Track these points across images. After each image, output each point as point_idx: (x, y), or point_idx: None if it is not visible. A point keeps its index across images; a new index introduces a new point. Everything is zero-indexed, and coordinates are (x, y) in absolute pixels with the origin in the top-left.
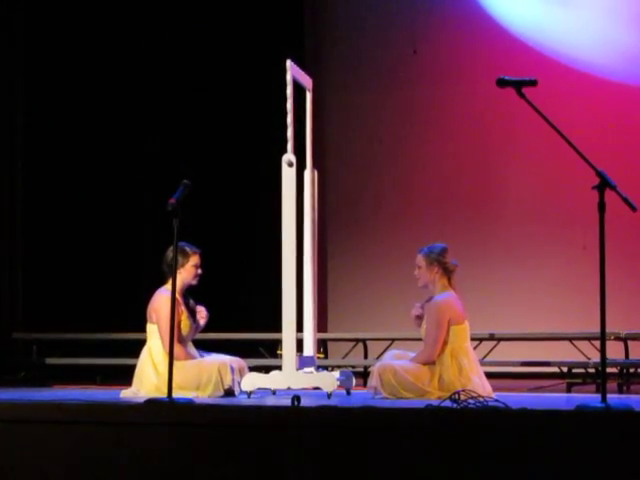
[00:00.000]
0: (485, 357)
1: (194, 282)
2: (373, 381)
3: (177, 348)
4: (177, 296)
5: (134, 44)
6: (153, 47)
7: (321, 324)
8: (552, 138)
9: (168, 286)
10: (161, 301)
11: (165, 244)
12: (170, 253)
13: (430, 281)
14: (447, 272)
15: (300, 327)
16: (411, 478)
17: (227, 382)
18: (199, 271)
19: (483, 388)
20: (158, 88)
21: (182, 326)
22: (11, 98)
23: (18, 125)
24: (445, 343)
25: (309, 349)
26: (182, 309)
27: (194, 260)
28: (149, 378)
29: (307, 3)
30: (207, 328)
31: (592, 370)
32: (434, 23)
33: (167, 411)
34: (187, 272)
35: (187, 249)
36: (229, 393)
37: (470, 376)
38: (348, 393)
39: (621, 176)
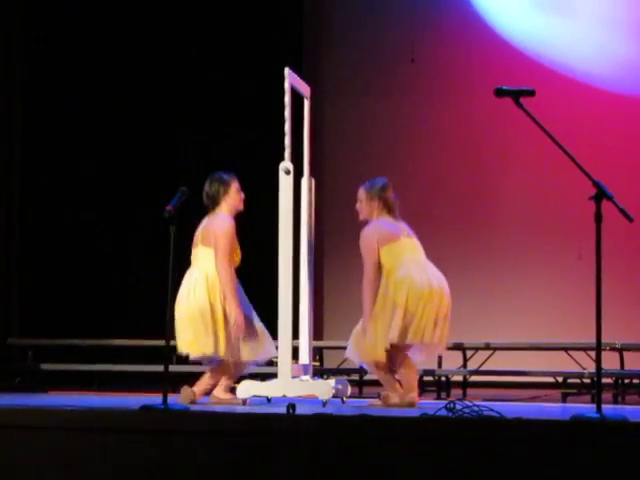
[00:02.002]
0: (481, 366)
1: (241, 207)
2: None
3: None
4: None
5: (132, 47)
6: (150, 52)
7: (317, 332)
8: (549, 148)
9: (222, 211)
10: (224, 225)
11: (162, 250)
12: (210, 185)
13: (369, 215)
14: (387, 206)
15: (296, 335)
16: None
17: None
18: (242, 195)
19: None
20: (155, 94)
21: (236, 254)
22: (9, 101)
23: (16, 130)
24: (380, 265)
25: (305, 357)
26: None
27: (235, 186)
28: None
29: (306, 13)
30: None
31: (587, 380)
32: (432, 32)
33: (162, 418)
34: (232, 199)
35: (225, 177)
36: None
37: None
38: (343, 401)
39: (618, 187)
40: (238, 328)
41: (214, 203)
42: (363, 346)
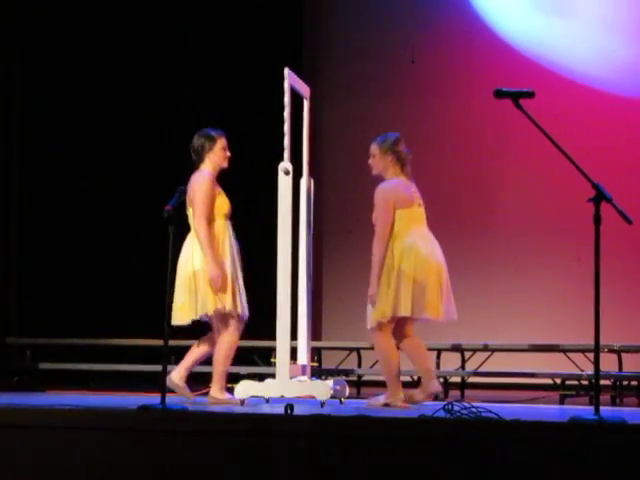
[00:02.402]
0: (479, 368)
1: (225, 164)
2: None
3: (205, 232)
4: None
5: (130, 48)
6: (149, 53)
7: (315, 332)
8: (549, 150)
9: (205, 167)
10: (200, 180)
11: (160, 250)
12: (197, 139)
13: (383, 169)
14: (400, 160)
15: (294, 335)
16: None
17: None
18: (228, 153)
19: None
20: (154, 94)
21: (219, 204)
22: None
23: (14, 129)
24: (393, 226)
25: (303, 357)
26: (219, 189)
27: (221, 143)
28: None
29: (306, 13)
30: (200, 336)
31: (586, 382)
32: (432, 33)
33: (160, 418)
34: (216, 156)
35: (212, 133)
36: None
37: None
38: (341, 402)
39: (617, 189)
40: (213, 282)
41: (198, 158)
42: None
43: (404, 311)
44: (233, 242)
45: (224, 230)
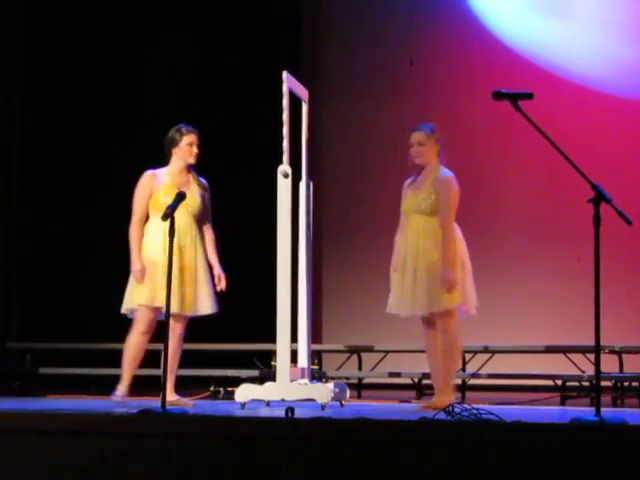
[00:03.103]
0: (479, 369)
1: (191, 160)
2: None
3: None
4: (153, 172)
5: (129, 46)
6: (148, 55)
7: (316, 335)
8: (548, 151)
9: (174, 161)
10: (140, 178)
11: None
12: (169, 133)
13: (430, 159)
14: (442, 151)
15: (295, 338)
16: None
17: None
18: (195, 149)
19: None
20: (154, 98)
21: (152, 201)
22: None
23: (14, 133)
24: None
25: (303, 360)
26: (160, 186)
27: (188, 139)
28: None
29: (304, 15)
30: (201, 339)
31: (586, 383)
32: (430, 35)
33: (160, 422)
34: (182, 151)
35: (183, 128)
36: None
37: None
38: (342, 405)
39: (616, 189)
40: (133, 274)
41: (167, 152)
42: (444, 293)
43: (460, 299)
44: (177, 238)
45: (158, 226)
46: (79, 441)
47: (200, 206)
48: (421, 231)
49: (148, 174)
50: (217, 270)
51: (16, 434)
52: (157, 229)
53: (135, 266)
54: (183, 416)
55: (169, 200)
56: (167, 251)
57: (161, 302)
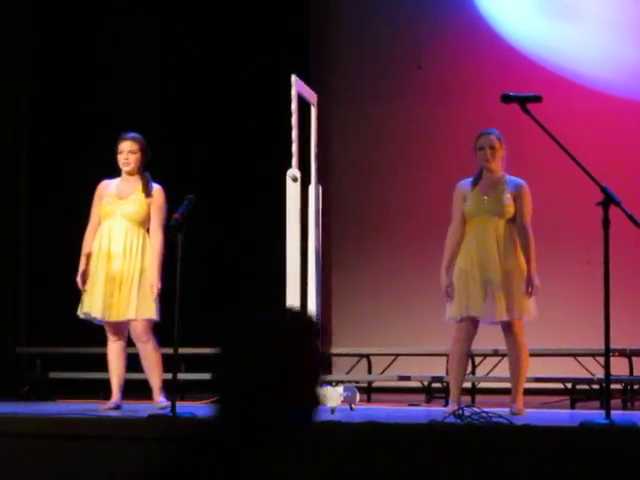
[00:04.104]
0: (489, 373)
1: (123, 168)
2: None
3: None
4: (106, 182)
5: (138, 51)
6: (156, 59)
7: (325, 339)
8: (556, 154)
9: (118, 177)
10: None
11: (169, 259)
12: None
13: (501, 167)
14: (506, 153)
15: None
16: None
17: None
18: (123, 157)
19: None
20: (162, 103)
21: (100, 209)
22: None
23: (22, 146)
24: None
25: None
26: (106, 194)
27: (119, 147)
28: None
29: (313, 19)
30: (209, 343)
31: (596, 386)
32: (439, 39)
33: (170, 426)
34: (118, 159)
35: (119, 137)
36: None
37: None
38: (351, 408)
39: (626, 192)
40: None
41: None
42: (526, 299)
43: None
44: (109, 244)
45: (100, 233)
46: (90, 445)
47: (136, 214)
48: (498, 234)
49: (101, 183)
50: (149, 278)
51: (26, 438)
52: (99, 235)
53: (78, 275)
54: (193, 420)
55: (109, 207)
56: (96, 258)
57: (88, 311)
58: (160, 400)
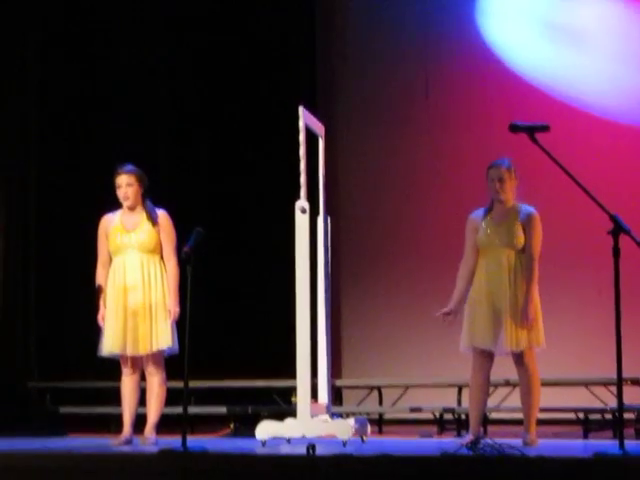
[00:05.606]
0: (501, 403)
1: (124, 203)
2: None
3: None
4: (107, 217)
5: (149, 86)
6: (165, 88)
7: (335, 370)
8: (565, 182)
9: (119, 210)
10: None
11: (180, 292)
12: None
13: (511, 197)
14: (518, 183)
15: (314, 374)
16: None
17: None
18: (122, 191)
19: None
20: (171, 135)
21: (109, 244)
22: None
23: (32, 173)
24: None
25: (324, 396)
26: (111, 228)
27: (116, 181)
28: None
29: (319, 51)
30: (222, 375)
31: (609, 416)
32: (446, 68)
33: (181, 461)
34: (117, 193)
35: (115, 170)
36: None
37: None
38: (363, 440)
39: (635, 220)
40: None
41: None
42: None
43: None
44: (125, 278)
45: (113, 268)
46: None
47: (148, 243)
48: (509, 265)
49: (104, 218)
50: (168, 304)
51: (36, 473)
52: (112, 271)
53: (99, 313)
54: (204, 454)
55: (119, 241)
56: (111, 294)
57: (111, 349)
58: (150, 437)
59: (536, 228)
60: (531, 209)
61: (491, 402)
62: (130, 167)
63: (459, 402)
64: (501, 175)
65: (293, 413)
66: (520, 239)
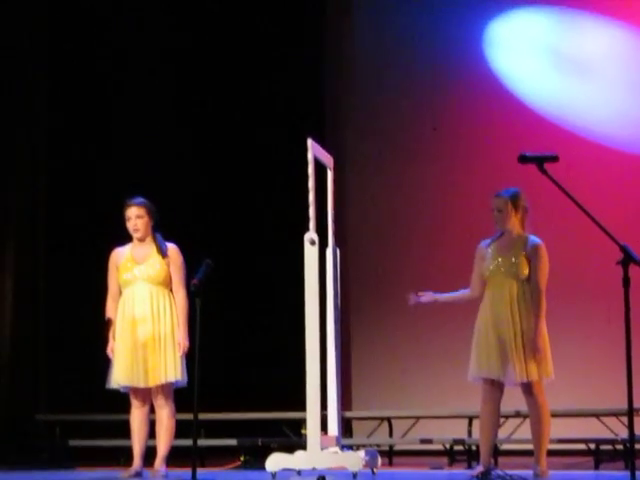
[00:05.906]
0: (511, 435)
1: (134, 235)
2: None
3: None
4: (116, 250)
5: (155, 114)
6: (173, 124)
7: (345, 402)
8: (574, 212)
9: (129, 244)
10: None
11: (189, 325)
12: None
13: (512, 226)
14: (524, 217)
15: (324, 405)
16: None
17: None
18: (132, 223)
19: None
20: (179, 167)
21: (118, 277)
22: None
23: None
24: None
25: (334, 428)
26: (121, 262)
27: (126, 214)
28: None
29: (327, 83)
30: (232, 407)
31: (620, 446)
32: (453, 99)
33: None
34: (127, 225)
35: (125, 203)
36: None
37: None
38: (373, 472)
39: None
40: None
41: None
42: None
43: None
44: (133, 310)
45: (122, 300)
46: None
47: (158, 275)
48: (512, 295)
49: (114, 252)
50: (177, 337)
51: None
52: (119, 305)
53: (108, 345)
54: None
55: (129, 272)
56: (120, 326)
57: (120, 381)
58: (160, 469)
59: (542, 259)
60: (537, 240)
61: (502, 433)
62: (140, 199)
63: (469, 433)
64: (499, 205)
65: (303, 445)
66: (524, 269)
